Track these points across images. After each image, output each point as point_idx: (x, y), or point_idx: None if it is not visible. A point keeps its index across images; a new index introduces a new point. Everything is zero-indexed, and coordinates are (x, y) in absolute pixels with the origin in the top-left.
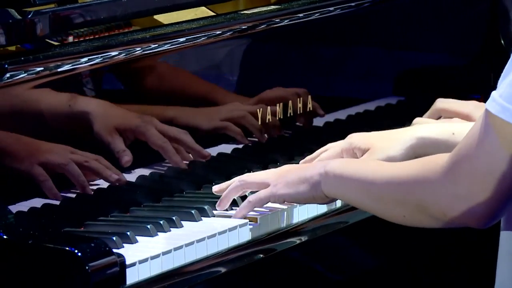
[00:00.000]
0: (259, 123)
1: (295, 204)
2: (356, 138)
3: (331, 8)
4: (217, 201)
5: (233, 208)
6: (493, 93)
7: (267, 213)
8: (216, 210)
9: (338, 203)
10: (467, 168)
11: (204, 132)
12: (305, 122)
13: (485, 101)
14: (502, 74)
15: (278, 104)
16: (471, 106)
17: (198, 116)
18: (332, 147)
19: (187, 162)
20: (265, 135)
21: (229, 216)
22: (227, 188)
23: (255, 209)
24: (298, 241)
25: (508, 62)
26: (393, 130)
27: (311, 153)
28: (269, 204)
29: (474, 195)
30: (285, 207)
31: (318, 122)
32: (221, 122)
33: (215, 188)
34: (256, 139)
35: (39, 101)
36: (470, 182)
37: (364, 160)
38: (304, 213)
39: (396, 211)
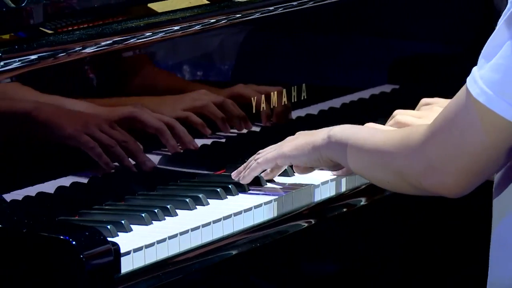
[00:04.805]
0: (253, 111)
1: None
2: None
3: None
4: (211, 190)
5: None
6: (474, 70)
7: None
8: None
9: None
10: (440, 139)
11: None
12: (300, 110)
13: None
14: (484, 50)
15: (272, 93)
16: None
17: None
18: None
19: (183, 149)
20: (262, 122)
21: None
22: (244, 170)
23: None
24: (304, 226)
25: (490, 40)
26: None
27: None
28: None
29: (445, 166)
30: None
31: (313, 110)
32: (183, 112)
33: (234, 174)
34: (251, 128)
35: (33, 90)
36: (442, 153)
37: (362, 126)
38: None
39: (382, 176)
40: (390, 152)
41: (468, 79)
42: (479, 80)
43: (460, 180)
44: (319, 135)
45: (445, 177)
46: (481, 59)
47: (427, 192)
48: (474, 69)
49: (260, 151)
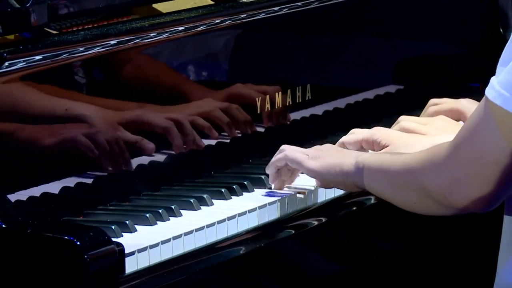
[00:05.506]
0: (258, 111)
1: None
2: (379, 132)
3: None
4: (215, 190)
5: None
6: (492, 78)
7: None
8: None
9: None
10: (463, 151)
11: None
12: (304, 111)
13: (484, 90)
14: (501, 59)
15: (277, 93)
16: (464, 102)
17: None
18: (355, 133)
19: (187, 149)
20: (266, 123)
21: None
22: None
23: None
24: (309, 226)
25: (506, 47)
26: (416, 134)
27: (311, 143)
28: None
29: (470, 178)
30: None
31: (318, 110)
32: (189, 116)
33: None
34: (256, 129)
35: (37, 90)
36: (466, 166)
37: (388, 153)
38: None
39: (408, 197)
40: (416, 170)
41: (487, 87)
42: (496, 84)
43: (485, 192)
44: (347, 160)
45: (470, 190)
46: (498, 68)
47: (453, 210)
48: (493, 78)
49: (283, 147)
